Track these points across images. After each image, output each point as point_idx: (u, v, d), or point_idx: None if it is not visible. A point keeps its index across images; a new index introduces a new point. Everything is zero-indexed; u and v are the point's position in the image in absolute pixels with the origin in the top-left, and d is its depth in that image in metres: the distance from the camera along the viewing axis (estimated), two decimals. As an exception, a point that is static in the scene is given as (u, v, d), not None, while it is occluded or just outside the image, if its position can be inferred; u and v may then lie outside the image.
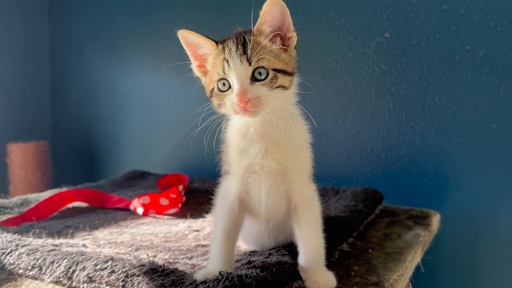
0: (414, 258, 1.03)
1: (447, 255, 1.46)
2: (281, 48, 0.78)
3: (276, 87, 0.75)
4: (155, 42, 2.08)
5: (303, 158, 0.83)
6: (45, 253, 0.88)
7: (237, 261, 0.87)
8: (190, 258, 0.93)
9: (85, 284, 0.79)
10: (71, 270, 0.82)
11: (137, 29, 2.14)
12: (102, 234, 1.13)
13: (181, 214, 1.35)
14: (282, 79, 0.76)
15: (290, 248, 0.88)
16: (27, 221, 1.24)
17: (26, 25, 2.39)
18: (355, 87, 1.59)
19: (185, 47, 0.84)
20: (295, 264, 0.82)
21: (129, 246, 1.01)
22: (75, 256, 0.85)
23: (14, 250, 0.91)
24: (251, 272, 0.73)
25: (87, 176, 2.25)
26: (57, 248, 0.92)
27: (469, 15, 1.38)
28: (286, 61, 0.78)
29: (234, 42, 0.76)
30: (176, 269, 0.80)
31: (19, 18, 2.35)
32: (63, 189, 1.51)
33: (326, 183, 1.64)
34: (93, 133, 2.38)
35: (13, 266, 0.88)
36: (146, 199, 1.36)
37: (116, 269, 0.79)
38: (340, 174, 1.64)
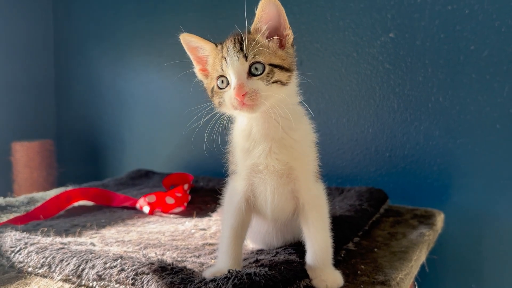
0: (420, 257, 1.04)
1: (451, 255, 1.47)
2: (278, 45, 0.80)
3: (273, 82, 0.76)
4: (159, 42, 2.08)
5: (309, 158, 0.83)
6: (54, 251, 0.89)
7: (244, 259, 0.88)
8: (198, 257, 0.94)
9: (95, 282, 0.80)
10: (80, 268, 0.83)
11: (142, 29, 2.15)
12: (110, 232, 1.13)
13: (187, 213, 1.36)
14: (279, 74, 0.77)
15: (297, 247, 0.89)
16: (34, 219, 1.24)
17: (31, 24, 2.40)
18: (360, 87, 1.60)
19: (187, 51, 0.86)
20: (302, 263, 0.82)
21: (136, 245, 1.02)
22: (84, 255, 0.86)
23: (23, 248, 0.92)
24: (260, 271, 0.73)
25: (92, 175, 2.26)
26: (66, 246, 0.93)
27: (473, 15, 1.39)
28: (283, 57, 0.79)
29: (231, 41, 0.78)
30: (185, 267, 0.81)
31: (24, 17, 2.36)
32: (69, 188, 1.52)
33: (330, 182, 1.65)
34: (98, 132, 2.38)
35: (22, 264, 0.90)
36: (152, 198, 1.36)
37: (126, 267, 0.79)
38: (344, 173, 1.65)
